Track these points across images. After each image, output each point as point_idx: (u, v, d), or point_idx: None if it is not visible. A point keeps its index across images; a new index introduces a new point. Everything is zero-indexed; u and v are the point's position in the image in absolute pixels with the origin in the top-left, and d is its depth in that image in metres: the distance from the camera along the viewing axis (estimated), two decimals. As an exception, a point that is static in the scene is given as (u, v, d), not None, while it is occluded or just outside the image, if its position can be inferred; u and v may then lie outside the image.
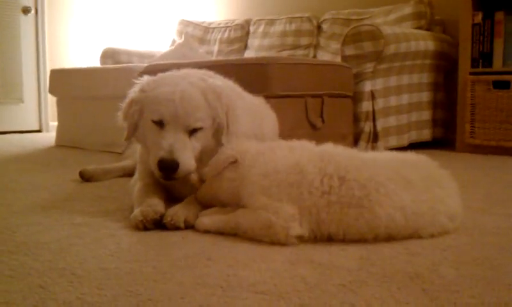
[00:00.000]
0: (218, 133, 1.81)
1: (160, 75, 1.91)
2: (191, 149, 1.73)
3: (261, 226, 1.48)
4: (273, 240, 1.46)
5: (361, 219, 1.46)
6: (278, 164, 1.56)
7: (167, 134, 1.71)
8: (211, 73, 2.00)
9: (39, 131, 5.95)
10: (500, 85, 3.58)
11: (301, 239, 1.47)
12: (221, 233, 1.57)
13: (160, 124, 1.74)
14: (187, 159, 1.70)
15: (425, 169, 1.62)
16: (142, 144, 1.91)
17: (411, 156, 1.68)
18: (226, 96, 1.84)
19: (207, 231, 1.59)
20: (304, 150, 1.63)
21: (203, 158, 1.78)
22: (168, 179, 1.71)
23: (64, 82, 4.45)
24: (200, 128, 1.76)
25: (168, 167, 1.66)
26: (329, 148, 1.65)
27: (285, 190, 1.50)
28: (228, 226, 1.56)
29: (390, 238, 1.48)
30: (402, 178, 1.52)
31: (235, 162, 1.63)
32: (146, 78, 1.90)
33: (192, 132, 1.75)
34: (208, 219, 1.62)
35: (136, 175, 1.98)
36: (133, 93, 1.88)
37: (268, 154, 1.62)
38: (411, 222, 1.48)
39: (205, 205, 1.73)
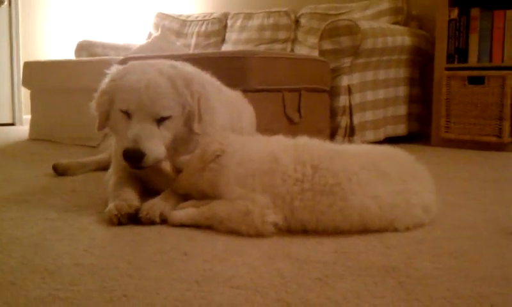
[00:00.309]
0: (190, 121, 1.78)
1: (130, 63, 1.89)
2: (159, 138, 1.71)
3: (238, 213, 1.48)
4: (250, 229, 1.46)
5: (334, 206, 1.47)
6: (253, 154, 1.58)
7: (133, 124, 1.70)
8: (191, 68, 1.97)
9: (12, 124, 5.84)
10: (475, 80, 3.62)
11: (276, 227, 1.47)
12: (196, 226, 1.56)
13: (127, 113, 1.72)
14: (153, 147, 1.67)
15: (401, 161, 1.63)
16: (114, 134, 1.90)
17: (387, 149, 1.70)
18: (197, 83, 1.82)
19: (181, 225, 1.57)
20: (279, 142, 1.65)
21: (177, 147, 1.76)
22: (136, 168, 1.69)
23: (38, 75, 4.37)
24: (169, 117, 1.74)
25: (133, 156, 1.65)
26: (304, 140, 1.66)
27: (259, 179, 1.52)
28: (203, 217, 1.56)
29: (365, 230, 1.49)
30: (376, 169, 1.54)
31: (221, 155, 1.63)
32: (115, 67, 1.88)
33: (160, 120, 1.72)
34: (182, 212, 1.61)
35: (111, 169, 1.96)
36: (104, 83, 1.86)
37: (248, 145, 1.64)
38: (386, 212, 1.49)
39: (182, 195, 1.71)
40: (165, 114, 1.72)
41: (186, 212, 1.60)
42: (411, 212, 1.53)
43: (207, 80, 1.97)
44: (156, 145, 1.69)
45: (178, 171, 1.72)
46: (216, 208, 1.55)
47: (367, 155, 1.60)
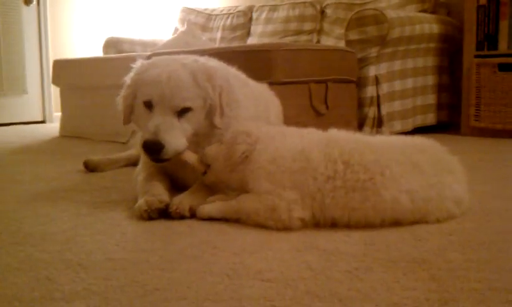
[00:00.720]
0: (211, 115, 1.79)
1: (155, 58, 1.92)
2: (179, 130, 1.72)
3: (265, 208, 1.49)
4: (277, 223, 1.47)
5: (366, 202, 1.46)
6: (284, 151, 1.57)
7: (154, 116, 1.72)
8: (219, 63, 1.98)
9: (43, 122, 5.95)
10: (505, 68, 3.55)
11: (302, 222, 1.48)
12: (224, 219, 1.58)
13: (149, 106, 1.75)
14: (173, 139, 1.69)
15: (434, 153, 1.60)
16: (138, 127, 1.92)
17: (419, 140, 1.67)
18: (220, 77, 1.82)
19: (210, 218, 1.59)
20: (310, 137, 1.63)
21: (199, 141, 1.78)
22: (156, 161, 1.71)
23: (67, 73, 4.45)
24: (189, 109, 1.75)
25: (152, 148, 1.66)
26: (334, 133, 1.65)
27: (289, 177, 1.51)
28: (232, 210, 1.57)
29: (395, 224, 1.47)
30: (409, 161, 1.51)
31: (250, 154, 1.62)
32: (140, 61, 1.91)
33: (181, 113, 1.74)
34: (210, 206, 1.62)
35: (140, 165, 1.98)
36: (128, 77, 1.89)
37: (279, 139, 1.63)
38: (419, 206, 1.47)
39: (211, 188, 1.73)
40: (185, 105, 1.73)
41: (214, 205, 1.62)
42: (444, 205, 1.51)
43: (232, 74, 1.98)
44: (176, 137, 1.70)
45: (204, 164, 1.71)
46: (243, 202, 1.56)
47: (398, 147, 1.58)
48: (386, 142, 1.63)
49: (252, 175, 1.58)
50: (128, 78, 1.89)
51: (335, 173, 1.49)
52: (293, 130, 1.72)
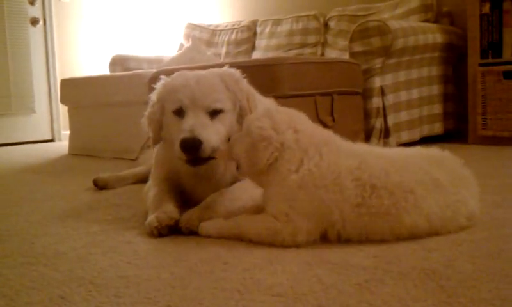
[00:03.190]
0: (242, 118, 1.78)
1: (177, 73, 1.93)
2: (214, 129, 1.72)
3: (267, 232, 1.47)
4: (281, 244, 1.45)
5: (386, 225, 1.43)
6: (319, 176, 1.45)
7: (187, 118, 1.72)
8: None
9: (52, 140, 6.00)
10: (510, 75, 3.55)
11: (307, 241, 1.46)
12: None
13: (180, 113, 1.75)
14: (209, 136, 1.69)
15: (452, 168, 1.57)
16: (167, 144, 1.87)
17: (437, 153, 1.63)
18: (244, 84, 1.86)
19: (208, 237, 1.58)
20: (348, 159, 1.49)
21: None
22: (194, 161, 1.69)
23: (75, 91, 4.50)
24: (221, 111, 1.76)
25: (191, 145, 1.65)
26: (368, 149, 1.59)
27: (315, 207, 1.44)
28: (230, 231, 1.56)
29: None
30: (431, 180, 1.48)
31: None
32: (163, 78, 1.92)
33: (213, 114, 1.75)
34: (209, 225, 1.60)
35: (150, 181, 2.00)
36: (153, 95, 1.90)
37: (311, 155, 1.48)
38: (435, 226, 1.46)
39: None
40: (217, 106, 1.75)
41: (215, 225, 1.60)
42: (457, 221, 1.50)
43: None
44: (212, 134, 1.70)
45: (232, 158, 1.62)
46: (244, 226, 1.52)
47: (420, 164, 1.52)
48: (408, 157, 1.57)
49: (272, 190, 1.50)
50: (153, 95, 1.89)
51: (362, 199, 1.43)
52: (331, 143, 1.55)
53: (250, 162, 1.52)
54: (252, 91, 1.89)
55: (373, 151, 1.59)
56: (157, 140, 1.91)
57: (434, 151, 1.64)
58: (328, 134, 1.60)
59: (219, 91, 1.77)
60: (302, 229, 1.44)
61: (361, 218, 1.43)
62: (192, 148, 1.66)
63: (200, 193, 1.85)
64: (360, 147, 1.61)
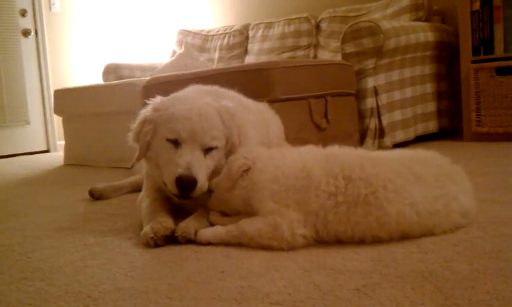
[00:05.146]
0: (230, 153, 1.79)
1: (173, 95, 1.91)
2: (205, 168, 1.72)
3: (267, 228, 1.49)
4: (281, 243, 1.47)
5: (369, 216, 1.45)
6: (286, 169, 1.57)
7: (184, 152, 1.69)
8: (221, 90, 2.01)
9: (47, 151, 5.99)
10: (503, 71, 3.56)
11: (305, 238, 1.48)
12: (225, 244, 1.58)
13: (175, 142, 1.73)
14: (203, 176, 1.69)
15: (437, 164, 1.59)
16: (152, 163, 1.86)
17: (419, 152, 1.66)
18: (238, 118, 1.85)
19: (208, 243, 1.59)
20: (310, 154, 1.64)
21: (212, 178, 1.78)
22: (183, 197, 1.69)
23: (69, 101, 4.49)
24: (215, 147, 1.76)
25: (187, 184, 1.64)
26: (334, 149, 1.66)
27: (293, 196, 1.52)
28: (231, 235, 1.57)
29: (404, 237, 1.47)
30: (411, 173, 1.51)
31: (248, 170, 1.64)
32: (159, 98, 1.88)
33: (207, 150, 1.74)
34: (209, 232, 1.62)
35: (143, 191, 1.99)
36: (146, 112, 1.86)
37: (278, 159, 1.63)
38: (425, 219, 1.47)
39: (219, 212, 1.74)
40: (213, 144, 1.74)
41: (213, 231, 1.61)
42: (451, 218, 1.51)
43: (235, 99, 2.00)
44: (204, 174, 1.70)
45: (210, 191, 1.73)
46: (244, 226, 1.55)
47: (399, 160, 1.58)
48: (386, 156, 1.64)
49: (257, 196, 1.58)
50: (146, 114, 1.84)
51: (336, 188, 1.49)
52: (291, 149, 1.74)
53: (225, 176, 1.67)
54: (244, 124, 1.87)
55: (347, 151, 1.65)
56: (141, 158, 1.88)
57: (418, 151, 1.68)
58: (292, 147, 1.82)
59: (217, 127, 1.76)
60: (295, 221, 1.48)
61: (340, 207, 1.47)
62: (187, 188, 1.65)
63: (190, 206, 1.84)
64: (333, 148, 1.68)
